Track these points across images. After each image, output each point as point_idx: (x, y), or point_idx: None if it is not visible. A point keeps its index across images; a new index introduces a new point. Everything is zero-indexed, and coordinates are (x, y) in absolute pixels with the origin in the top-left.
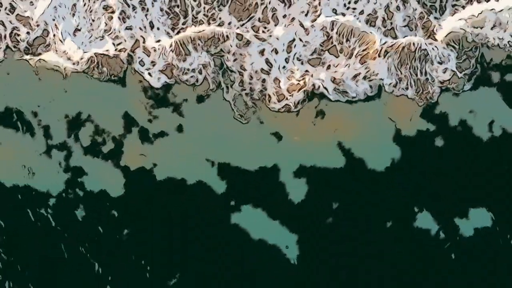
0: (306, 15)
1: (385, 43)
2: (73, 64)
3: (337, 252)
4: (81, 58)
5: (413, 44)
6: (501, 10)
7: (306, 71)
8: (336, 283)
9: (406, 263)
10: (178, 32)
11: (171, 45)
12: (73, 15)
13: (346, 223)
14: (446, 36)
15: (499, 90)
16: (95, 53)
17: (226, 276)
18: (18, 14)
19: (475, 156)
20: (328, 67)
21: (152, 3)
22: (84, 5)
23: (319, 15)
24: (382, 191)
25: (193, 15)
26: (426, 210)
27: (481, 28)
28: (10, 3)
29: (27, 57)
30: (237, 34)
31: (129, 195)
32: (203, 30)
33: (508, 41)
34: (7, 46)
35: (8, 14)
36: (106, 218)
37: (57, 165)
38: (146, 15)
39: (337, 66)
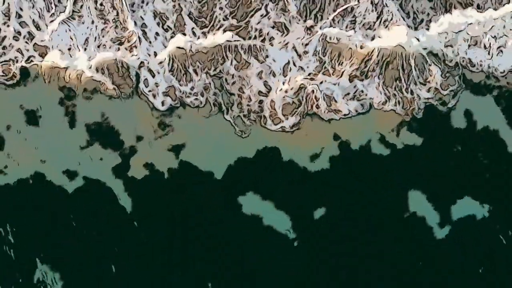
0: (301, 41)
1: (375, 54)
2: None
3: (337, 252)
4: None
5: (401, 54)
6: (477, 36)
7: (302, 85)
8: (336, 283)
9: (406, 263)
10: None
11: (170, 64)
12: (85, 49)
13: (346, 223)
14: (428, 54)
15: (480, 104)
16: (106, 67)
17: (226, 276)
18: (35, 44)
19: (470, 159)
20: (321, 83)
21: (155, 37)
22: (95, 39)
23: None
24: (381, 191)
25: None
26: (425, 210)
27: (454, 45)
28: (29, 32)
29: (39, 60)
30: (236, 53)
31: (134, 198)
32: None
33: (488, 64)
34: (23, 67)
35: (26, 42)
36: (107, 218)
37: (67, 173)
38: (149, 46)
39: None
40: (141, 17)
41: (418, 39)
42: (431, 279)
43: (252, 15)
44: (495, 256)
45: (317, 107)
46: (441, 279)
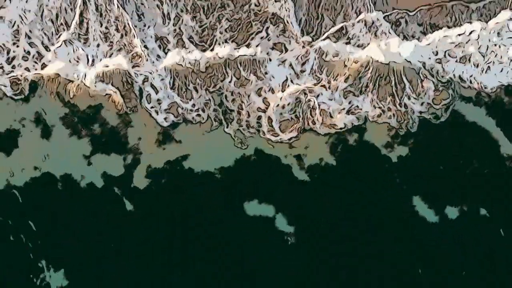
0: (297, 59)
1: (369, 71)
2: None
3: (337, 252)
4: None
5: (393, 69)
6: (466, 54)
7: (298, 98)
8: (336, 283)
9: (406, 263)
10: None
11: (170, 82)
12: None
13: (346, 223)
14: (420, 69)
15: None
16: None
17: (226, 276)
18: (43, 64)
19: (469, 161)
20: (317, 96)
21: (157, 58)
22: (100, 60)
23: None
24: (381, 192)
25: None
26: (425, 210)
27: (444, 62)
28: (37, 52)
29: (44, 71)
30: (235, 70)
31: (135, 200)
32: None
33: (477, 80)
34: (32, 81)
35: (35, 62)
36: (108, 219)
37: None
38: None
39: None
40: (142, 40)
41: (409, 50)
42: (431, 279)
43: (253, 38)
44: (495, 256)
45: (313, 122)
46: (441, 279)
